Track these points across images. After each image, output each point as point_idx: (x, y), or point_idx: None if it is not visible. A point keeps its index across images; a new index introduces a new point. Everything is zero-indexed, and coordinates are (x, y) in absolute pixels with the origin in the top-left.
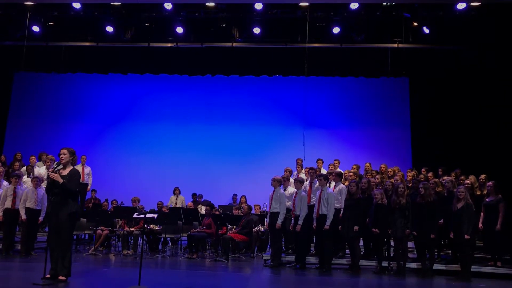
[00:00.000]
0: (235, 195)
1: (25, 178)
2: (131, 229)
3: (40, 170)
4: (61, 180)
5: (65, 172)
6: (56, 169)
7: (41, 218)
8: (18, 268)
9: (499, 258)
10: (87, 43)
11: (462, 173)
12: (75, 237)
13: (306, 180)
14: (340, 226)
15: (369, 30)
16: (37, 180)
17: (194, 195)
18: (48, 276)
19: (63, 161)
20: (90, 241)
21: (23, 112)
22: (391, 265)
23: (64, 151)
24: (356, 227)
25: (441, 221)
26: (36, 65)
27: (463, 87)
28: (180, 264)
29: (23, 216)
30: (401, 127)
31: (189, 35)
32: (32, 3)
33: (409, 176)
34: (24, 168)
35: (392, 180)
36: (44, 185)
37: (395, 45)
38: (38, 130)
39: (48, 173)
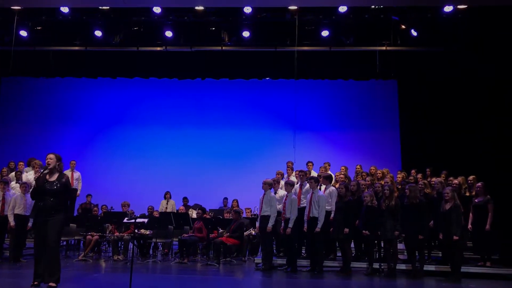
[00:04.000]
0: (225, 198)
1: (13, 184)
2: (122, 234)
3: (28, 175)
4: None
5: (53, 177)
6: (43, 173)
7: (30, 224)
8: (6, 275)
9: (488, 258)
10: (76, 48)
11: (450, 174)
12: (64, 243)
13: (297, 183)
14: (331, 229)
15: (358, 33)
16: (25, 186)
17: (185, 199)
18: (35, 283)
19: (50, 166)
20: (78, 246)
21: (11, 117)
22: (382, 267)
23: (51, 156)
24: (346, 230)
25: (431, 222)
26: (24, 70)
27: (451, 89)
28: (171, 269)
29: (12, 223)
30: (390, 129)
31: (179, 39)
32: (19, 8)
33: (399, 177)
34: (13, 173)
35: (382, 182)
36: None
37: (384, 48)
38: (26, 135)
39: (35, 178)
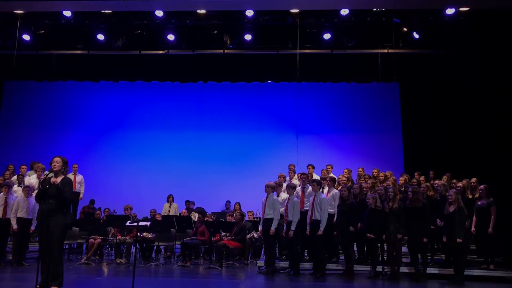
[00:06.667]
0: (228, 201)
1: (15, 187)
2: (124, 237)
3: (31, 179)
4: (57, 181)
5: (57, 180)
6: (48, 176)
7: (32, 228)
8: (9, 278)
9: (492, 261)
10: (78, 51)
11: (453, 176)
12: (67, 246)
13: (299, 186)
14: (335, 232)
15: (359, 35)
16: (28, 189)
17: (187, 202)
18: (38, 286)
19: (56, 169)
20: (81, 249)
21: (13, 121)
22: (385, 270)
23: (58, 159)
24: (352, 228)
25: (437, 224)
26: (26, 73)
27: (453, 91)
28: (173, 272)
29: (15, 226)
30: (392, 132)
31: (181, 42)
32: (22, 12)
33: (401, 180)
34: (15, 177)
35: (385, 184)
36: (35, 194)
37: (386, 51)
38: (29, 139)
39: (40, 180)
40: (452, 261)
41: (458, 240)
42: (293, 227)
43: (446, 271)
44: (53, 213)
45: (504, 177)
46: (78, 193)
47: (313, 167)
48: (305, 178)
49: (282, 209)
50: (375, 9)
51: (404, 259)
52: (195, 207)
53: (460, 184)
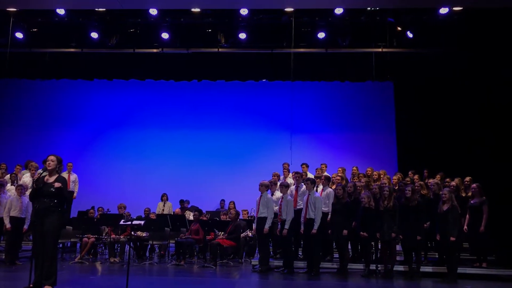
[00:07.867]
0: (222, 200)
1: (8, 186)
2: (118, 236)
3: (25, 177)
4: (59, 185)
5: (51, 179)
6: (42, 175)
7: (25, 227)
8: (2, 277)
9: (484, 259)
10: (72, 50)
11: (446, 175)
12: (60, 245)
13: (293, 185)
14: (330, 231)
15: (354, 34)
16: (21, 188)
17: (181, 201)
18: (31, 285)
19: (50, 168)
20: (74, 248)
21: (6, 119)
22: (379, 268)
23: (52, 157)
24: (345, 231)
25: (427, 224)
26: (20, 71)
27: (447, 91)
28: (167, 271)
29: (8, 225)
30: (386, 131)
31: (175, 41)
32: (15, 9)
33: (394, 179)
34: (8, 176)
35: (379, 183)
36: (28, 193)
37: (380, 50)
38: (22, 138)
39: (33, 179)
40: (446, 260)
41: (452, 238)
42: (286, 226)
43: (440, 269)
44: (48, 212)
45: (497, 176)
46: (72, 192)
47: (307, 166)
48: (299, 177)
49: (276, 208)
50: (369, 8)
51: (397, 258)
52: (189, 206)
53: (453, 182)
